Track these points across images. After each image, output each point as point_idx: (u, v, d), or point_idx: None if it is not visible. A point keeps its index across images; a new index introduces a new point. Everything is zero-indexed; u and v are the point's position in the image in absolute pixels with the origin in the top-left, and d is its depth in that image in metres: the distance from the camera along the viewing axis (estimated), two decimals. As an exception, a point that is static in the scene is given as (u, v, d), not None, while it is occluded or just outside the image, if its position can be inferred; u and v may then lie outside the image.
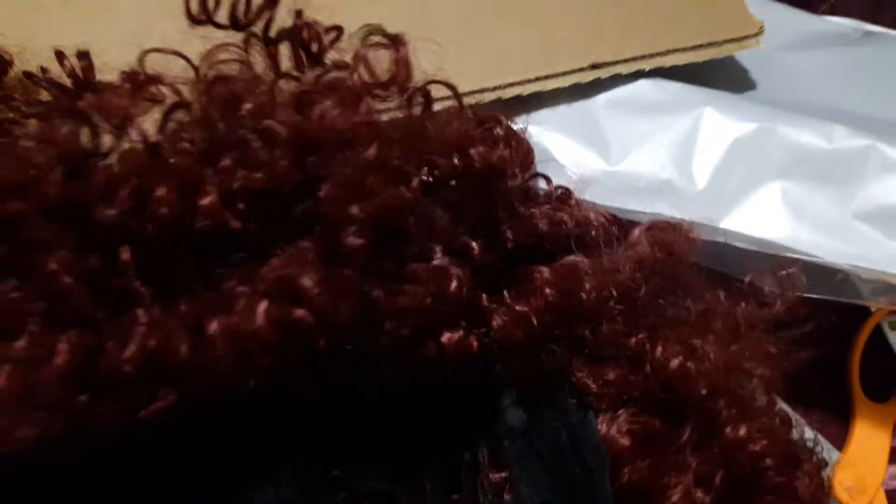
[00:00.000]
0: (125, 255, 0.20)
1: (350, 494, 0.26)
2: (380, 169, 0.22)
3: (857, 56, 0.49)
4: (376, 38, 0.25)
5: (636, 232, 0.29)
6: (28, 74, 0.24)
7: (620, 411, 0.27)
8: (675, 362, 0.26)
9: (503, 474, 0.27)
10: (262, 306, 0.20)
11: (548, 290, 0.25)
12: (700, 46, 0.39)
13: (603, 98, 0.40)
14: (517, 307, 0.25)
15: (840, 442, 0.50)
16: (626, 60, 0.38)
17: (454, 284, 0.23)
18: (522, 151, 0.28)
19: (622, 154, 0.39)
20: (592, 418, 0.27)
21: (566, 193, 0.30)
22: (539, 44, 0.36)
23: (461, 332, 0.24)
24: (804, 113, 0.40)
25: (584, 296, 0.25)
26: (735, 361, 0.27)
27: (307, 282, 0.21)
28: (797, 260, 0.37)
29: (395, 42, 0.25)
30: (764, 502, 0.27)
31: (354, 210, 0.22)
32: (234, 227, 0.21)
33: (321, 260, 0.21)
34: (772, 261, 0.37)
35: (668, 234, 0.29)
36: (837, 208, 0.37)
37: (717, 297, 0.29)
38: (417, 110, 0.25)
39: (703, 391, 0.26)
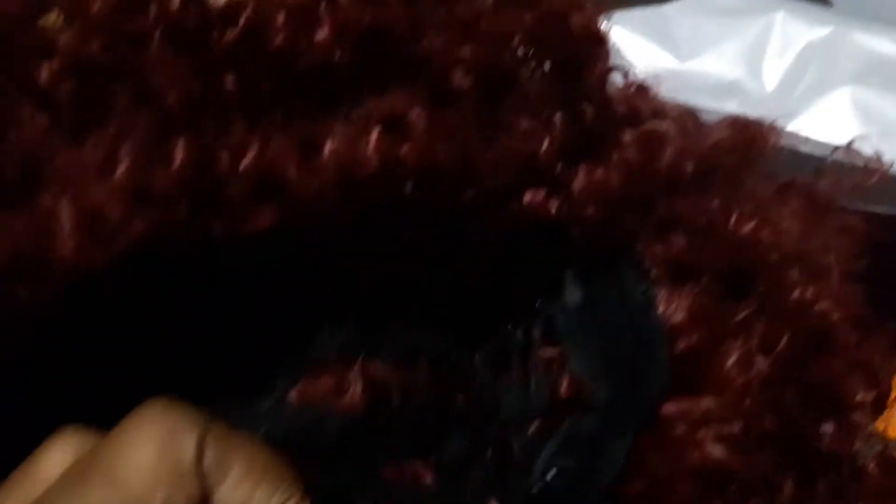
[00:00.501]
0: (237, 79, 0.21)
1: (406, 348, 0.27)
2: (491, 20, 0.23)
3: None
4: None
5: (717, 121, 0.30)
6: None
7: (684, 285, 0.27)
8: (747, 229, 0.26)
9: (555, 351, 0.28)
10: (373, 137, 0.21)
11: (629, 153, 0.25)
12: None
13: (674, 2, 0.40)
14: (598, 171, 0.25)
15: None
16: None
17: (546, 145, 0.24)
18: (607, 40, 0.28)
19: (692, 54, 0.39)
20: (653, 294, 0.27)
21: (643, 86, 0.31)
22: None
23: (542, 195, 0.25)
24: (882, 22, 0.40)
25: (664, 160, 0.25)
26: (810, 232, 0.28)
27: (415, 119, 0.21)
28: (864, 166, 0.37)
29: None
30: (829, 364, 0.27)
31: (465, 52, 0.22)
32: (345, 64, 0.21)
33: (428, 102, 0.22)
34: (837, 166, 0.37)
35: (749, 126, 0.29)
36: None
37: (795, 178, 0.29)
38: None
39: (775, 258, 0.27)
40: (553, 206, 0.25)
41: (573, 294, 0.28)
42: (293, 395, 0.26)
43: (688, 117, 0.31)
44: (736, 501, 0.25)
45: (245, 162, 0.20)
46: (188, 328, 0.25)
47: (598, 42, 0.26)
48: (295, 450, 0.25)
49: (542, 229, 0.26)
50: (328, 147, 0.20)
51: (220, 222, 0.20)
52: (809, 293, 0.26)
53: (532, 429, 0.26)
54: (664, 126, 0.27)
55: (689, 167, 0.26)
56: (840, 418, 0.27)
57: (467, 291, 0.27)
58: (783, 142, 0.37)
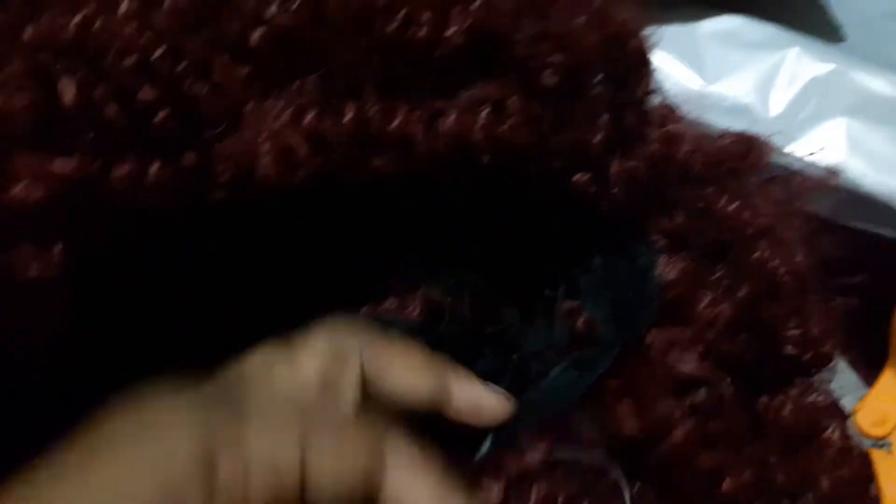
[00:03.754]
0: (391, 60, 0.27)
1: (457, 282, 0.34)
2: (575, 36, 0.29)
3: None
4: None
5: (726, 132, 0.36)
6: None
7: (679, 252, 0.34)
8: (732, 209, 0.33)
9: (575, 304, 0.35)
10: (483, 114, 0.27)
11: (653, 147, 0.32)
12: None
13: (706, 29, 0.45)
14: (630, 161, 0.32)
15: (871, 380, 0.52)
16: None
17: (599, 137, 0.30)
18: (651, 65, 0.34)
19: (715, 78, 0.44)
20: (655, 260, 0.34)
21: (673, 107, 0.36)
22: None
23: (588, 177, 0.31)
24: (878, 63, 0.44)
25: (679, 154, 0.32)
26: (781, 215, 0.35)
27: (511, 105, 0.28)
28: (847, 186, 0.42)
29: None
30: (774, 309, 0.34)
31: (554, 59, 0.28)
32: (465, 56, 0.27)
33: (522, 93, 0.28)
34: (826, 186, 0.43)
35: (751, 139, 0.35)
36: (892, 148, 0.43)
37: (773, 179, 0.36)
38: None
39: (750, 231, 0.33)
40: (593, 187, 0.31)
41: (595, 260, 0.35)
42: (364, 309, 0.33)
43: (703, 129, 0.37)
44: (686, 396, 0.32)
45: (392, 125, 0.26)
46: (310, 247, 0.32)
47: (646, 65, 0.32)
48: None
49: (580, 205, 0.33)
50: (448, 120, 0.27)
51: (372, 164, 0.27)
52: (767, 254, 0.33)
53: (550, 355, 0.34)
54: (682, 129, 0.33)
55: (699, 162, 0.32)
56: (776, 350, 0.34)
57: (512, 250, 0.35)
58: (783, 160, 0.44)
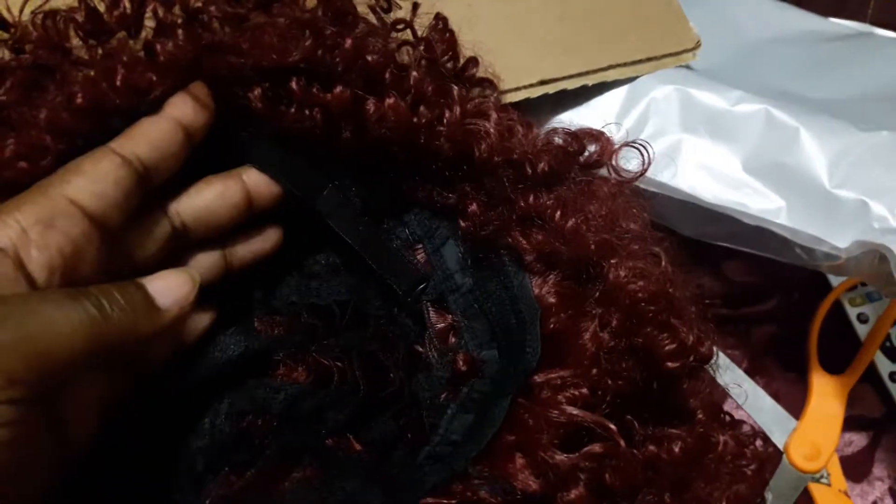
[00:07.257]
0: None
1: (343, 348, 0.34)
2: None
3: (822, 50, 0.55)
4: None
5: (553, 130, 0.36)
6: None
7: (549, 276, 0.33)
8: (571, 224, 0.33)
9: (446, 324, 0.34)
10: None
11: (446, 145, 0.32)
12: (639, 62, 0.43)
13: None
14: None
15: (798, 412, 0.53)
16: (570, 77, 0.42)
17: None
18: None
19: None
20: (528, 281, 0.33)
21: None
22: (493, 64, 0.38)
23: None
24: (716, 80, 0.45)
25: (478, 152, 0.32)
26: (613, 218, 0.34)
27: None
28: (688, 202, 0.43)
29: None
30: (647, 334, 0.32)
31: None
32: None
33: None
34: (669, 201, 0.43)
35: (583, 134, 0.35)
36: (728, 160, 0.43)
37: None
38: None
39: (593, 247, 0.32)
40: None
41: (462, 280, 0.34)
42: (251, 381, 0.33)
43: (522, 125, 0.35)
44: (584, 447, 0.30)
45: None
46: None
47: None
48: (253, 415, 0.32)
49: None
50: None
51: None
52: (621, 274, 0.32)
53: (441, 398, 0.33)
54: (485, 125, 0.32)
55: (500, 160, 0.32)
56: (658, 370, 0.32)
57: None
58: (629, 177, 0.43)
